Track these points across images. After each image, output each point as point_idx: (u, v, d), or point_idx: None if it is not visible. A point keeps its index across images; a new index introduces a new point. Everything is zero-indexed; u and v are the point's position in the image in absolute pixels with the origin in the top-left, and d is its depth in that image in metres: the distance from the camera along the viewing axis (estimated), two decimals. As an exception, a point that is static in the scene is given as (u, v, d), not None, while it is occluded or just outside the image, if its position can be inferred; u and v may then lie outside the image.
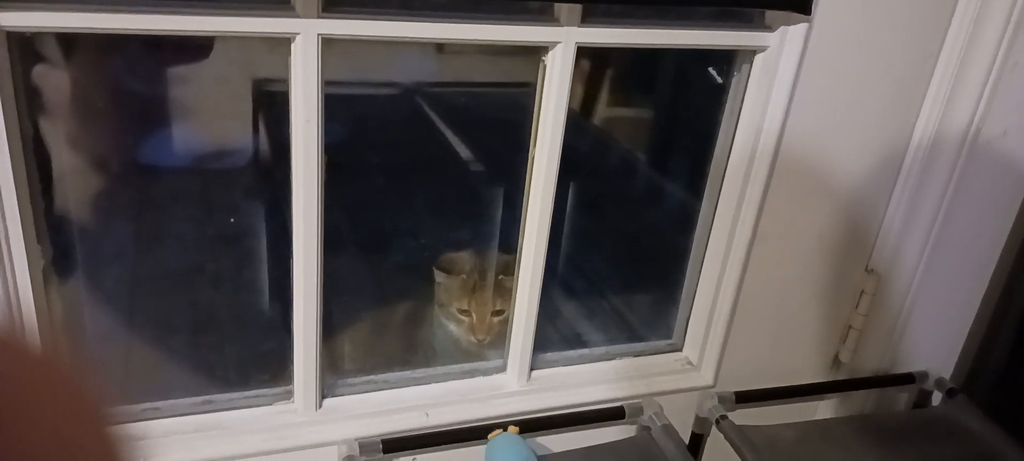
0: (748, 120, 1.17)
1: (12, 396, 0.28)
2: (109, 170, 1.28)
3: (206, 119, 1.42)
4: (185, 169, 1.39)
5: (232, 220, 1.26)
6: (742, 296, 1.30)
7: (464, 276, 1.29)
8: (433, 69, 1.55)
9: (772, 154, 1.18)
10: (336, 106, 1.02)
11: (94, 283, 1.18)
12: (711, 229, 1.26)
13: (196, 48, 1.20)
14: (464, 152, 1.64)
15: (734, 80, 1.17)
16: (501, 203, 1.40)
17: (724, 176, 1.22)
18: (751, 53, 1.13)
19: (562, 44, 1.01)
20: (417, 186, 1.58)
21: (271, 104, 1.51)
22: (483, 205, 1.49)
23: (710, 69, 1.18)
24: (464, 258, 1.33)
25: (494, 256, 1.34)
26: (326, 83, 0.96)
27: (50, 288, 0.97)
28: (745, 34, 1.10)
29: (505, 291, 1.27)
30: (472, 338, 1.27)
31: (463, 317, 1.27)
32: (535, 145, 1.10)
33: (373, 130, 1.57)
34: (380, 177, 1.51)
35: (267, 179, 1.40)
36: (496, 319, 1.27)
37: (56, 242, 1.00)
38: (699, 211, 1.29)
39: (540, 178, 1.11)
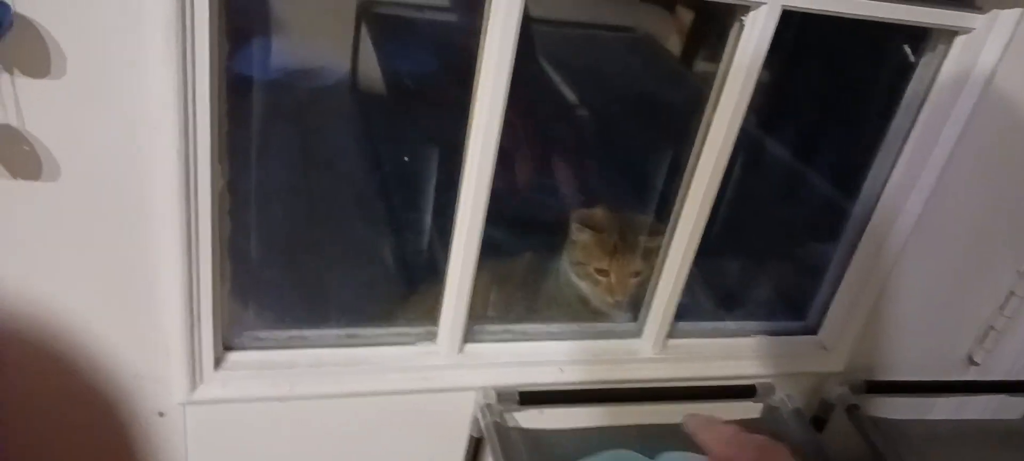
0: (935, 105, 1.11)
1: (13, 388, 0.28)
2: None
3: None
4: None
5: (406, 159, 1.23)
6: (888, 286, 1.25)
7: (604, 234, 1.26)
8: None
9: (953, 142, 1.12)
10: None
11: (254, 208, 1.16)
12: (872, 214, 1.21)
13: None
14: (572, 96, 1.58)
15: (924, 59, 1.10)
16: (659, 166, 1.35)
17: (896, 160, 1.16)
18: (951, 34, 1.06)
19: (767, 6, 0.95)
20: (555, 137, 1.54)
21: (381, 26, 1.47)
22: (630, 164, 1.44)
23: (905, 46, 1.11)
24: (600, 215, 1.29)
25: (636, 217, 1.30)
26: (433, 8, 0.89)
27: (222, 211, 0.96)
28: (954, 13, 1.03)
29: (646, 253, 1.23)
30: (608, 298, 1.24)
31: (601, 277, 1.24)
32: (714, 110, 1.05)
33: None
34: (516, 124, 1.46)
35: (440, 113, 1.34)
36: (633, 281, 1.24)
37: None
38: (857, 194, 1.23)
39: (713, 148, 1.06)
